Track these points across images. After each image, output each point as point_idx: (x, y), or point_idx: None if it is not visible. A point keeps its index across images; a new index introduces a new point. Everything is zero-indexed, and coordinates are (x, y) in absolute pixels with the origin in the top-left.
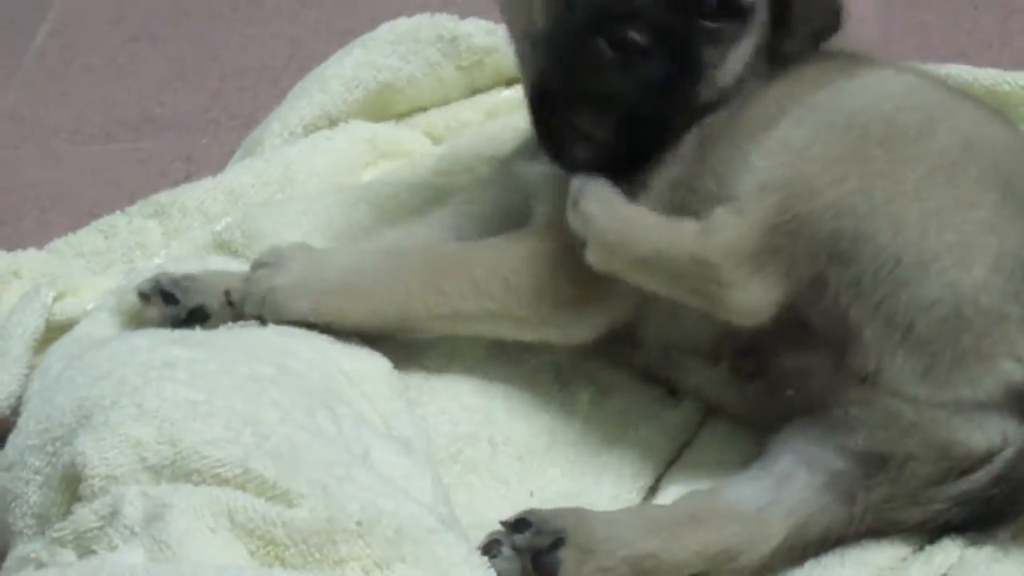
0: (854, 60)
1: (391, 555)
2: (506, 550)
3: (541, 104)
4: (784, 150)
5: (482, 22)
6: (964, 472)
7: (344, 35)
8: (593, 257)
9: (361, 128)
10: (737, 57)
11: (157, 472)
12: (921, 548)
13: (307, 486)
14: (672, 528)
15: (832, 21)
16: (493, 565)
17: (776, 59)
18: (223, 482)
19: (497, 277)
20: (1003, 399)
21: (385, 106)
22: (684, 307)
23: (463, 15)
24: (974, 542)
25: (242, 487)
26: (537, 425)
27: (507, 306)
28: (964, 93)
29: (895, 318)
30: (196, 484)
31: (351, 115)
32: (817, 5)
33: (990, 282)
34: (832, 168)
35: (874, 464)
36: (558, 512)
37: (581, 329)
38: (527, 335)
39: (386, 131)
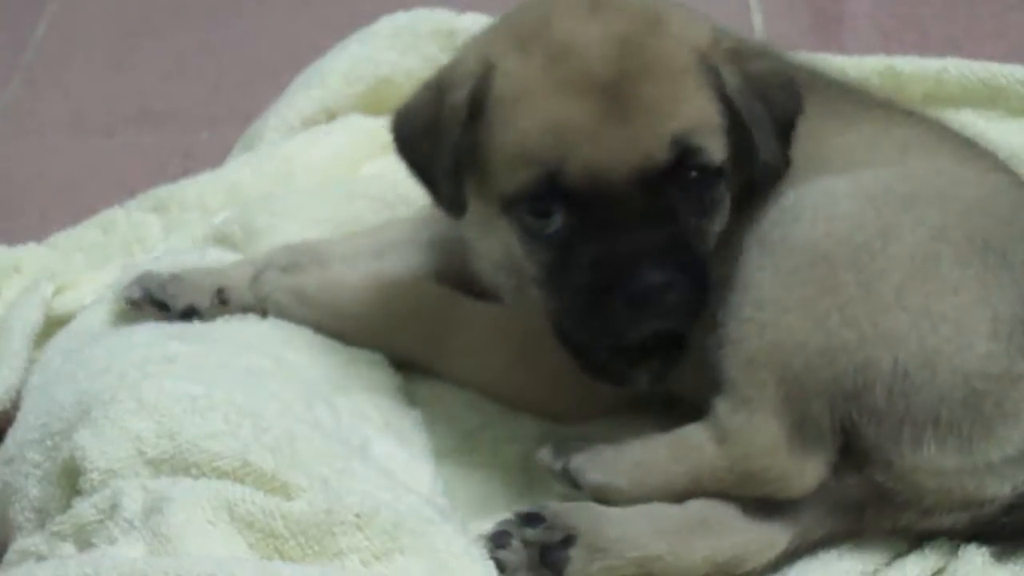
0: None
1: (390, 547)
2: (515, 542)
3: (570, 344)
4: (757, 310)
5: (480, 16)
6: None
7: (343, 29)
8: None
9: (360, 122)
10: (723, 213)
11: (156, 466)
12: (919, 545)
13: (306, 479)
14: (682, 533)
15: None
16: (500, 555)
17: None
18: (222, 475)
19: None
20: None
21: (383, 100)
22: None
23: (461, 9)
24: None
25: (241, 480)
26: (541, 423)
27: (509, 393)
28: (926, 138)
29: (918, 421)
30: (195, 477)
31: (350, 109)
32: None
33: (993, 351)
34: (810, 314)
35: (888, 497)
36: (572, 509)
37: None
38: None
39: (385, 125)
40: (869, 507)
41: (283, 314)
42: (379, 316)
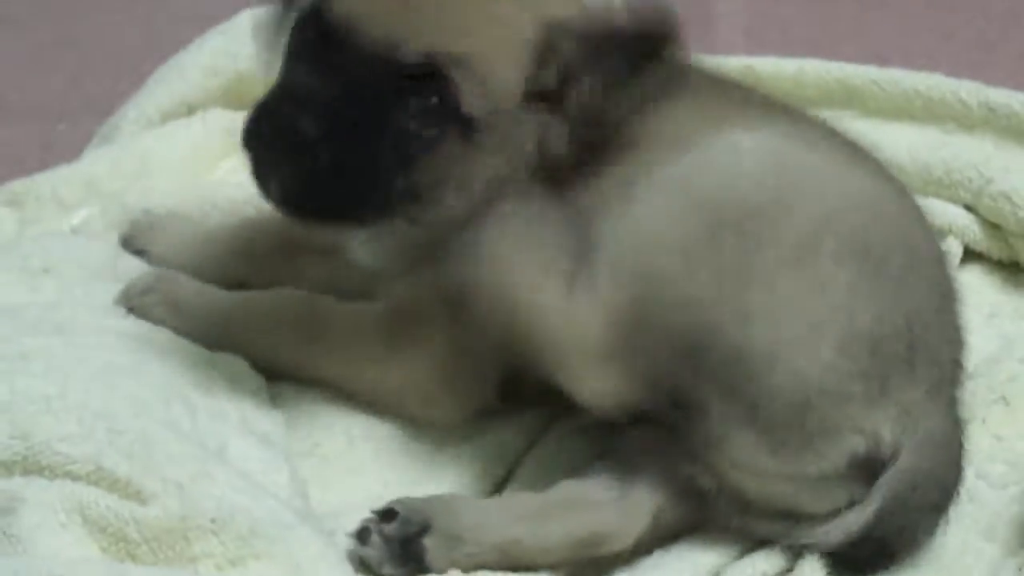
0: (719, 106)
1: (245, 552)
2: (375, 538)
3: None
4: (636, 234)
5: None
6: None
7: (206, 21)
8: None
9: (220, 117)
10: (474, 171)
11: (8, 467)
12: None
13: (160, 484)
14: (540, 515)
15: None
16: (363, 552)
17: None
18: (76, 478)
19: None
20: (847, 470)
21: (244, 94)
22: None
23: None
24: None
25: (95, 484)
26: (398, 422)
27: (375, 394)
28: (834, 138)
29: (743, 403)
30: (49, 479)
31: (210, 103)
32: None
33: (836, 365)
34: (685, 259)
35: (722, 493)
36: (427, 500)
37: (447, 418)
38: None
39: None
40: (709, 500)
41: (146, 316)
42: (248, 325)
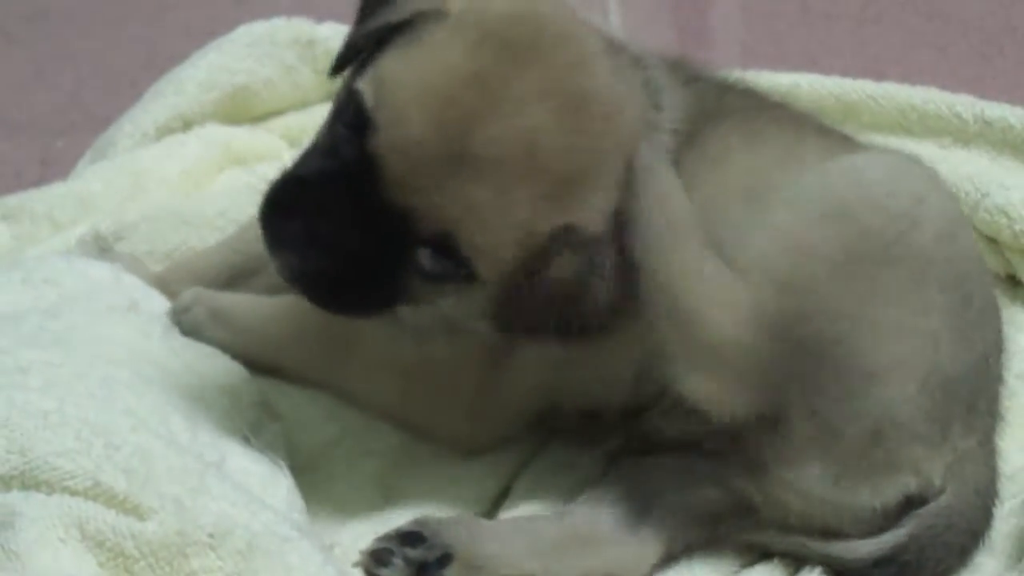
0: (790, 134)
1: (243, 567)
2: (397, 560)
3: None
4: (783, 236)
5: (340, 26)
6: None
7: (203, 37)
8: None
9: (215, 132)
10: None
11: (6, 482)
12: (770, 556)
13: (158, 499)
14: (556, 550)
15: None
16: (381, 572)
17: None
18: (74, 493)
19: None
20: (896, 506)
21: (241, 109)
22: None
23: (320, 19)
24: None
25: (93, 499)
26: (396, 436)
27: (397, 417)
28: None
29: (827, 425)
30: (47, 494)
31: (206, 118)
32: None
33: (915, 400)
34: (829, 266)
35: (749, 511)
36: (449, 525)
37: (472, 445)
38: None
39: (241, 135)
40: (727, 520)
41: (195, 331)
42: (282, 335)
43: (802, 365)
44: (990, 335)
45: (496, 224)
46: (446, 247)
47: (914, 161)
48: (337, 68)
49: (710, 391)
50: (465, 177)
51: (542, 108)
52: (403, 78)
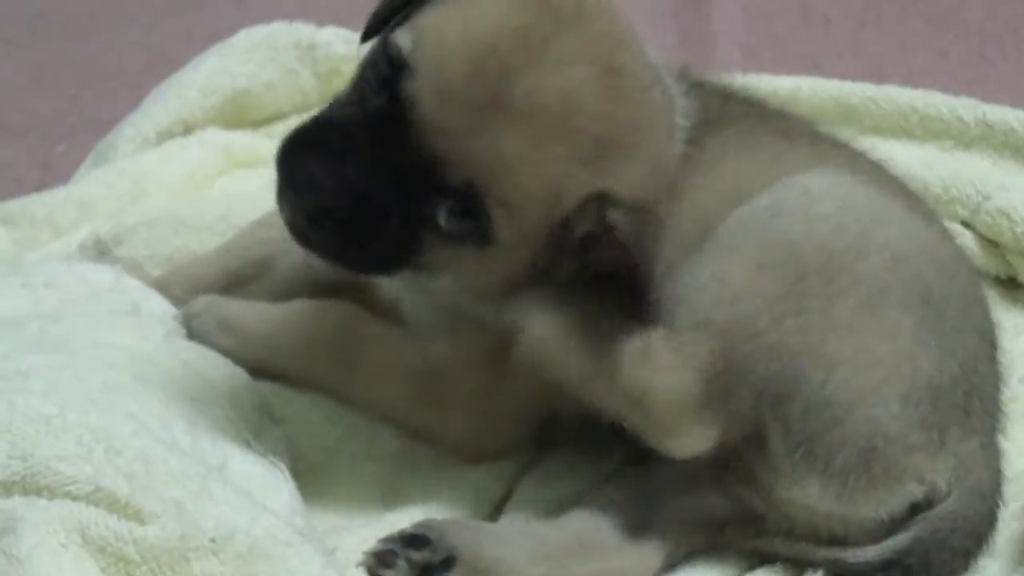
0: (783, 142)
1: (244, 572)
2: (401, 562)
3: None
4: (720, 286)
5: (340, 30)
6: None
7: (204, 41)
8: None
9: (216, 136)
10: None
11: (7, 487)
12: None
13: (160, 504)
14: (560, 555)
15: None
16: (386, 575)
17: None
18: (76, 498)
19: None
20: (903, 515)
21: (242, 113)
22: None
23: (320, 23)
24: None
25: (95, 504)
26: (398, 440)
27: (404, 424)
28: (885, 178)
29: (818, 451)
30: (48, 499)
31: (207, 122)
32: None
33: (902, 414)
34: (771, 308)
35: (754, 520)
36: (454, 528)
37: (479, 453)
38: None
39: (242, 139)
40: (730, 525)
41: (203, 338)
42: (291, 343)
43: (776, 404)
44: (975, 338)
45: (526, 178)
46: (469, 199)
47: (872, 182)
48: (370, 31)
49: (678, 446)
50: (500, 125)
51: (582, 71)
52: (444, 27)
